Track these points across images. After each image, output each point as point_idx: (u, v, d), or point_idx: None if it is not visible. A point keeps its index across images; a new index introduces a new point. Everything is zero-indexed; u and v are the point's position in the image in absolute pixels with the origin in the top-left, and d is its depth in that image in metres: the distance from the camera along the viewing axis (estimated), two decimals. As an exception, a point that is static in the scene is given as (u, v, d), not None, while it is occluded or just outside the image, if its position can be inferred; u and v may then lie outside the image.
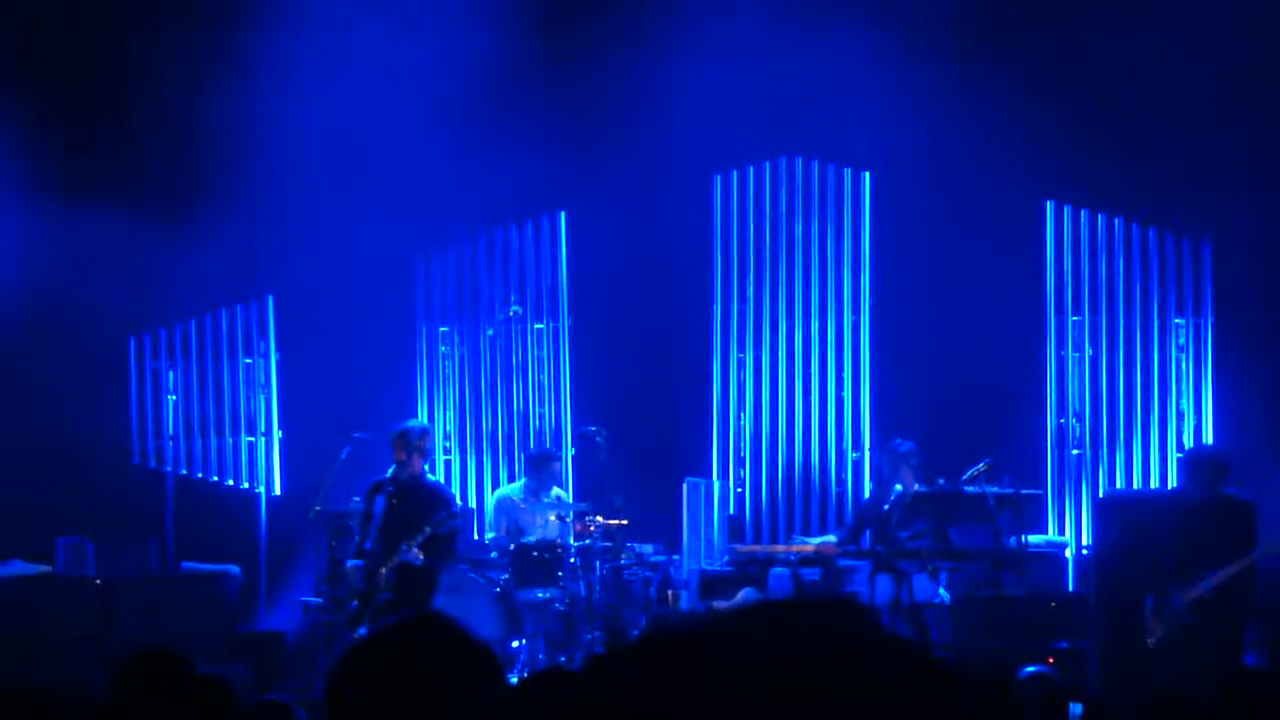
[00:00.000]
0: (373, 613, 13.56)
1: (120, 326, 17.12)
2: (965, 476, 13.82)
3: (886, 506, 14.38)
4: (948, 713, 1.90)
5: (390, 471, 14.15)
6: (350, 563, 14.06)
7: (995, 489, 13.69)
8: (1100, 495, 15.78)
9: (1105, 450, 16.40)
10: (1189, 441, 16.08)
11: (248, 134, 16.65)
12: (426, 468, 14.46)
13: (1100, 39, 15.93)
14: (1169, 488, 15.81)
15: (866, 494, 16.16)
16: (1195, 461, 13.43)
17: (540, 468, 15.40)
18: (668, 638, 1.93)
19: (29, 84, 16.67)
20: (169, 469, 17.10)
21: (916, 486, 14.22)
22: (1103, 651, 13.73)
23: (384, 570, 13.64)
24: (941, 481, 14.05)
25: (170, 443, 17.25)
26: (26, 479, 15.91)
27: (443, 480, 16.23)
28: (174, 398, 17.29)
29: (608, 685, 1.94)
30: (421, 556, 13.62)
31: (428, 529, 13.60)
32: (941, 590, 14.05)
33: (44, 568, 15.64)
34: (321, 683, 13.59)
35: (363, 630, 13.49)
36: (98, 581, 15.48)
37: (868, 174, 16.79)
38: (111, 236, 16.67)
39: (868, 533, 14.62)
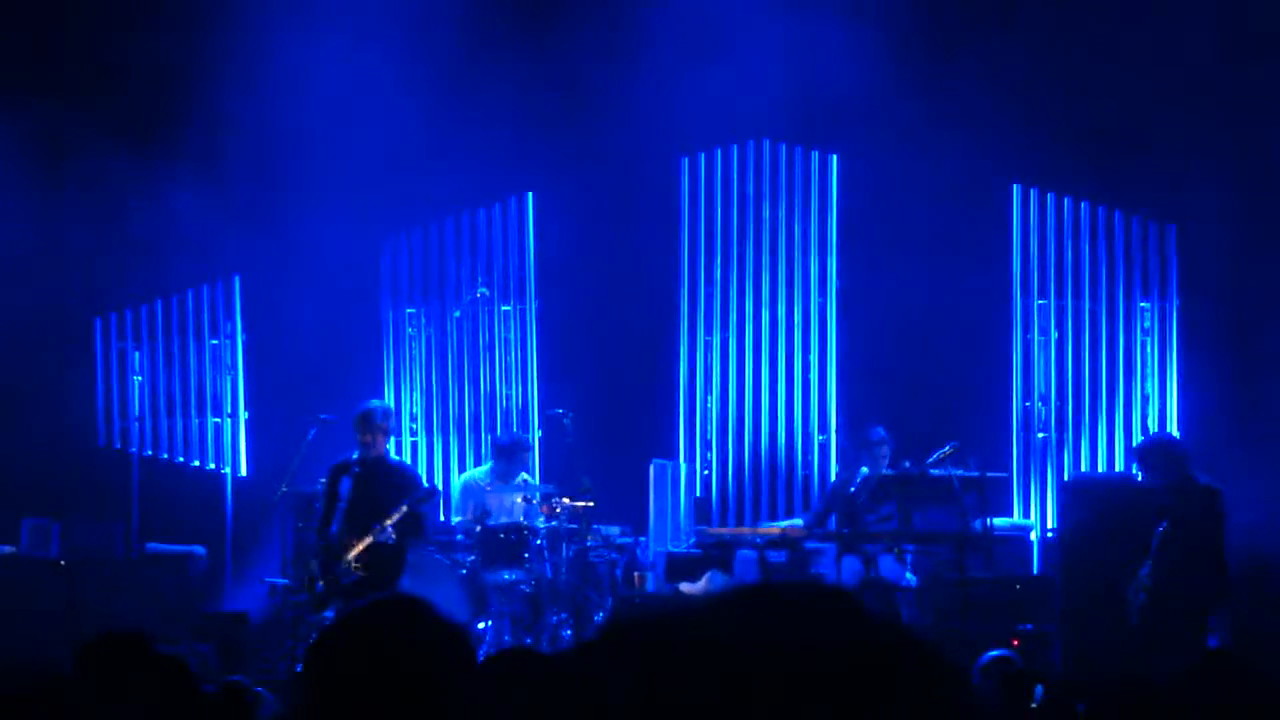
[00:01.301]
0: (340, 594, 13.55)
1: (85, 307, 17.09)
2: (931, 459, 13.84)
3: (853, 489, 14.41)
4: (950, 694, 1.90)
5: (355, 453, 14.13)
6: (314, 559, 14.03)
7: (961, 472, 13.72)
8: (1065, 479, 15.84)
9: (1071, 434, 16.46)
10: (1154, 425, 16.15)
11: (214, 114, 16.63)
12: (391, 448, 14.45)
13: (1067, 24, 15.98)
14: (1133, 472, 15.89)
15: (833, 477, 16.18)
16: (1144, 453, 13.51)
17: (510, 456, 15.38)
18: (646, 626, 1.93)
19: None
20: (134, 450, 17.05)
21: (884, 469, 14.25)
22: (1067, 634, 13.80)
23: (354, 553, 13.60)
24: (908, 464, 14.09)
25: (136, 423, 17.20)
26: (-9, 459, 15.88)
27: (409, 462, 16.24)
28: (140, 378, 17.25)
29: (592, 676, 1.94)
30: (394, 536, 13.60)
31: (404, 506, 13.56)
32: (908, 573, 14.08)
33: (8, 548, 15.60)
34: (285, 664, 13.69)
35: (330, 612, 13.48)
36: (62, 562, 15.45)
37: (835, 157, 16.81)
38: (76, 216, 16.64)
39: (834, 516, 14.64)
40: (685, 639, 1.89)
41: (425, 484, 14.65)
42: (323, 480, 14.51)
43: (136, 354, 17.29)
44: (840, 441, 16.47)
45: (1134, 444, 15.23)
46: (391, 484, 13.83)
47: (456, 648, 3.52)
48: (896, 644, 1.90)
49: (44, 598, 15.22)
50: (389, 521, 13.54)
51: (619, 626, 1.94)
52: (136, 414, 17.24)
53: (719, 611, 1.91)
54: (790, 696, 1.85)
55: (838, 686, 1.85)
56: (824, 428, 16.84)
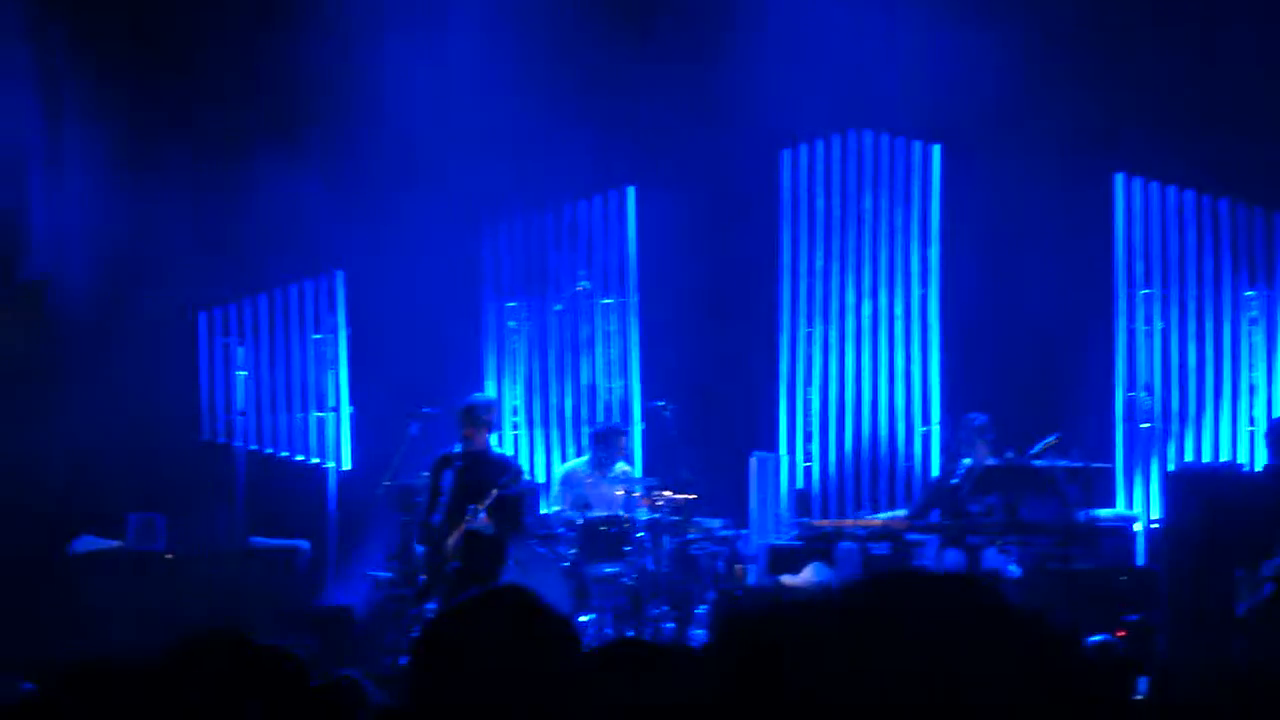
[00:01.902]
0: (442, 585, 13.58)
1: (191, 302, 17.20)
2: (1034, 450, 13.76)
3: (955, 481, 14.33)
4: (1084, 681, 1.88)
5: (458, 446, 14.16)
6: (417, 547, 14.06)
7: (1065, 463, 13.63)
8: (1170, 469, 15.70)
9: (1176, 424, 16.31)
10: (1261, 415, 15.98)
11: (319, 109, 16.71)
12: (494, 441, 14.47)
13: (1171, 11, 15.83)
14: (1239, 462, 15.73)
15: (935, 468, 16.11)
16: (1275, 433, 13.38)
17: (607, 443, 15.38)
18: (778, 614, 1.92)
19: (94, 58, 16.74)
20: (239, 444, 17.17)
21: (987, 460, 14.16)
22: (1171, 625, 13.66)
23: (450, 541, 13.65)
24: (1011, 455, 14.00)
25: (240, 418, 17.30)
26: (98, 454, 15.99)
27: (511, 454, 16.26)
28: (244, 373, 17.35)
29: (725, 664, 1.93)
30: (490, 524, 13.62)
31: (494, 492, 13.59)
32: (1011, 565, 13.99)
33: (115, 543, 15.73)
34: (390, 657, 13.73)
35: (432, 604, 13.52)
36: (168, 556, 15.57)
37: (938, 147, 16.72)
38: (182, 212, 16.76)
39: (936, 508, 14.57)
40: (822, 627, 1.88)
41: (522, 471, 14.66)
42: (425, 474, 14.55)
43: (240, 349, 17.40)
44: (942, 433, 16.39)
45: (1264, 426, 15.11)
46: (492, 475, 13.86)
47: (565, 640, 3.52)
48: (1046, 637, 1.88)
49: (149, 592, 15.33)
50: (481, 507, 13.55)
51: (749, 616, 1.93)
52: (241, 409, 17.35)
53: (855, 600, 1.90)
54: (932, 684, 1.84)
55: (981, 675, 1.84)
56: (926, 419, 16.77)
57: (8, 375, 14.73)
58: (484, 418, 14.21)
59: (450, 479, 13.98)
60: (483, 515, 13.57)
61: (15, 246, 15.95)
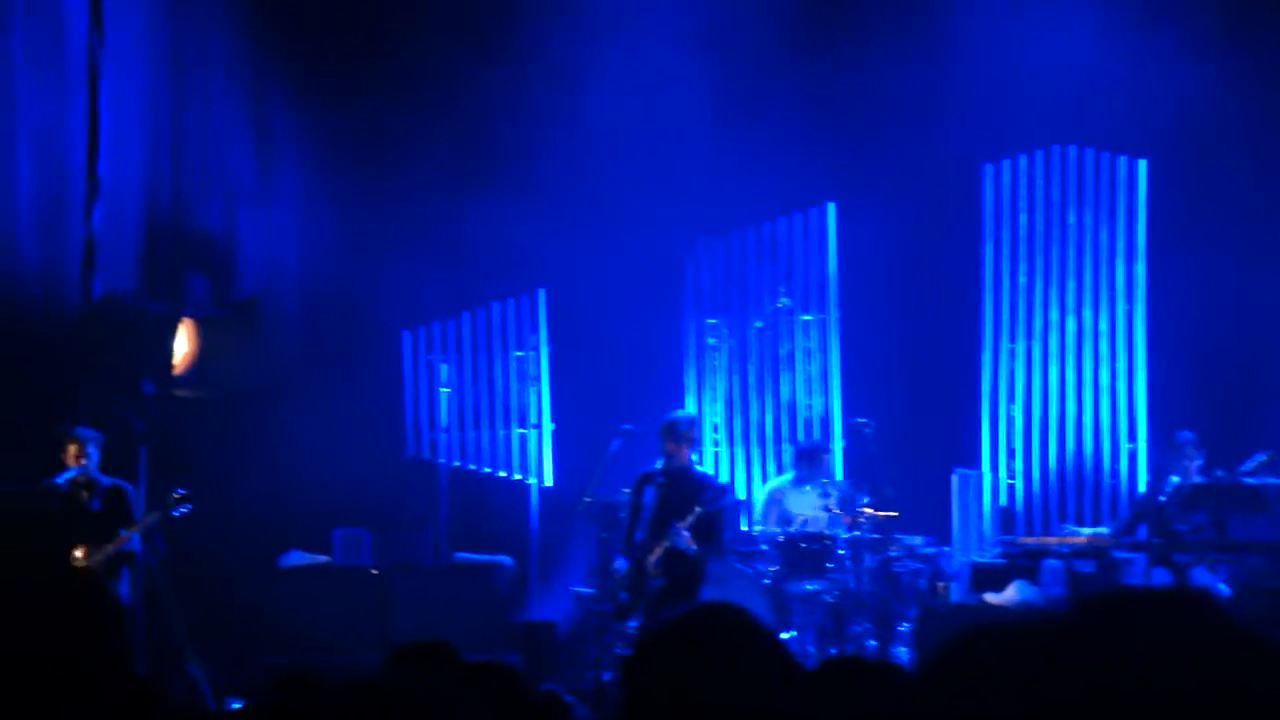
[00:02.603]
0: (645, 602, 13.60)
1: (395, 321, 17.39)
2: (1246, 468, 13.54)
3: (1163, 498, 14.12)
4: None
5: (659, 463, 14.17)
6: (618, 560, 14.09)
7: (1277, 480, 13.39)
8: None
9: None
10: None
11: (520, 130, 16.86)
12: (695, 458, 14.47)
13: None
14: None
15: (1141, 486, 15.89)
16: None
17: (811, 461, 15.31)
18: (1006, 635, 1.90)
19: (307, 84, 17.01)
20: (442, 460, 17.34)
21: (1195, 478, 13.95)
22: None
23: (652, 559, 13.66)
24: (1221, 473, 13.78)
25: (444, 435, 17.47)
26: (305, 471, 16.22)
27: (712, 472, 16.24)
28: (447, 390, 17.52)
29: (955, 686, 1.92)
30: (694, 545, 13.59)
31: (697, 509, 13.56)
32: (1221, 584, 13.77)
33: (322, 558, 15.96)
34: (592, 673, 13.78)
35: (634, 622, 13.54)
36: (374, 571, 15.75)
37: (1144, 161, 16.50)
38: (387, 232, 16.98)
39: (1143, 525, 14.37)
40: (1049, 647, 1.86)
41: (725, 488, 14.65)
42: (626, 490, 14.59)
43: (444, 366, 17.56)
44: (1149, 450, 16.16)
45: None
46: (694, 492, 13.83)
47: (775, 656, 3.51)
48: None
49: (356, 606, 15.52)
50: (683, 525, 13.54)
51: (975, 635, 1.92)
52: (444, 425, 17.51)
53: (1083, 618, 1.88)
54: (1163, 704, 1.81)
55: (1211, 695, 1.81)
56: (1131, 436, 16.54)
57: (220, 394, 14.98)
58: (686, 434, 14.19)
59: (652, 496, 13.99)
60: (686, 533, 13.56)
61: (228, 268, 16.24)
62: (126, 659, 1.78)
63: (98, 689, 1.78)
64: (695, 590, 13.43)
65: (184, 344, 14.65)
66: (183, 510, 13.09)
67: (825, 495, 14.87)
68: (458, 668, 5.93)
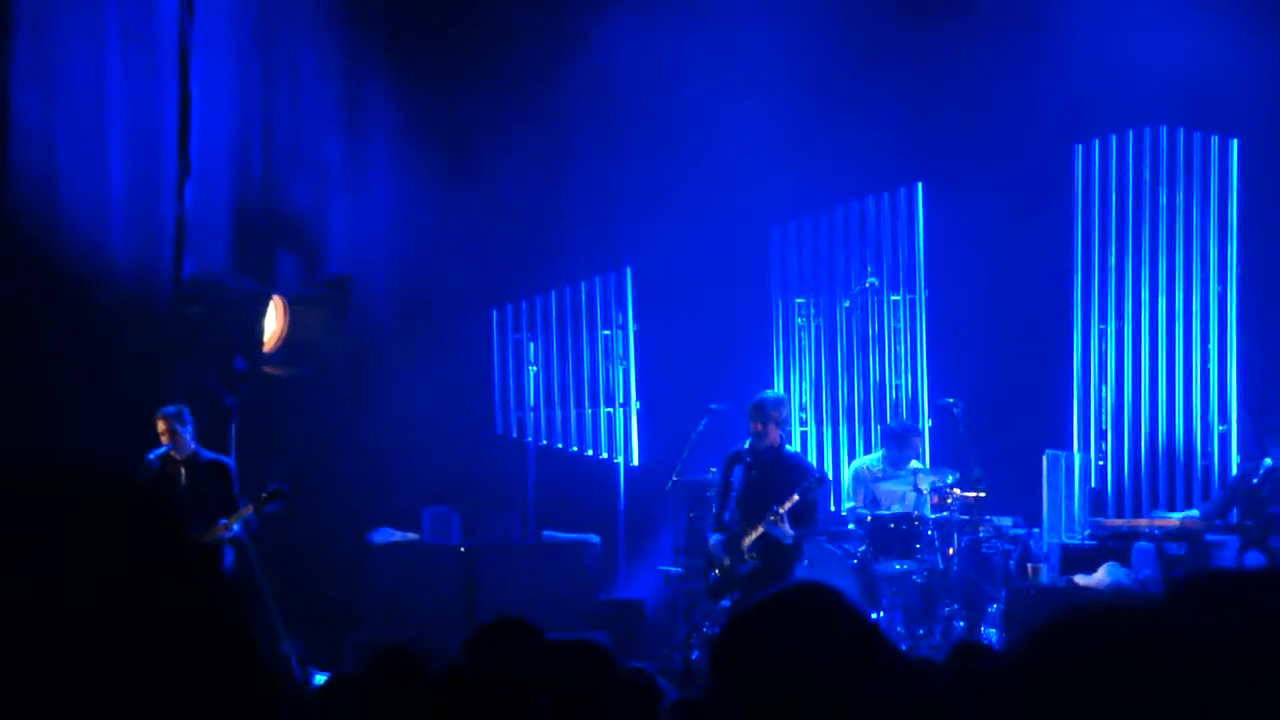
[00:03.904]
0: (736, 583, 13.60)
1: (483, 299, 17.43)
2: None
3: (1256, 481, 14.01)
4: None
5: (747, 442, 14.15)
6: (711, 536, 14.08)
7: (1372, 463, 13.28)
8: None
9: None
10: None
11: (606, 109, 16.87)
12: (782, 438, 14.44)
13: None
14: None
15: (1233, 468, 15.77)
16: None
17: (900, 443, 15.27)
18: (1103, 618, 1.88)
19: (395, 64, 17.06)
20: (530, 439, 17.38)
21: (1290, 461, 13.85)
22: None
23: (748, 542, 13.65)
24: (1316, 455, 13.67)
25: (531, 413, 17.52)
26: (395, 449, 16.31)
27: (799, 451, 16.21)
28: (535, 368, 17.56)
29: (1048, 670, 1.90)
30: (790, 531, 13.57)
31: (795, 495, 13.54)
32: (1314, 567, 13.66)
33: (412, 535, 16.03)
34: (681, 652, 13.80)
35: (726, 602, 13.54)
36: (462, 550, 15.81)
37: (1235, 141, 16.36)
38: (476, 211, 17.02)
39: (1236, 508, 14.26)
40: (1144, 632, 1.85)
41: (818, 472, 14.64)
42: (714, 469, 14.59)
43: (531, 345, 17.60)
44: (1241, 432, 16.03)
45: None
46: (784, 473, 13.82)
47: (868, 637, 3.50)
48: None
49: (444, 583, 15.59)
50: (783, 509, 13.52)
51: (1070, 619, 1.91)
52: (532, 404, 17.55)
53: (1179, 601, 1.86)
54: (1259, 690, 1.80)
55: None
56: (1224, 418, 16.41)
57: (310, 372, 15.06)
58: (774, 414, 14.16)
59: (740, 475, 13.99)
60: (786, 521, 13.52)
61: (318, 246, 16.32)
62: (247, 634, 1.79)
63: (217, 663, 1.79)
64: (788, 573, 13.41)
65: (274, 322, 14.73)
66: (274, 507, 13.16)
67: (914, 478, 14.84)
68: (543, 646, 5.95)
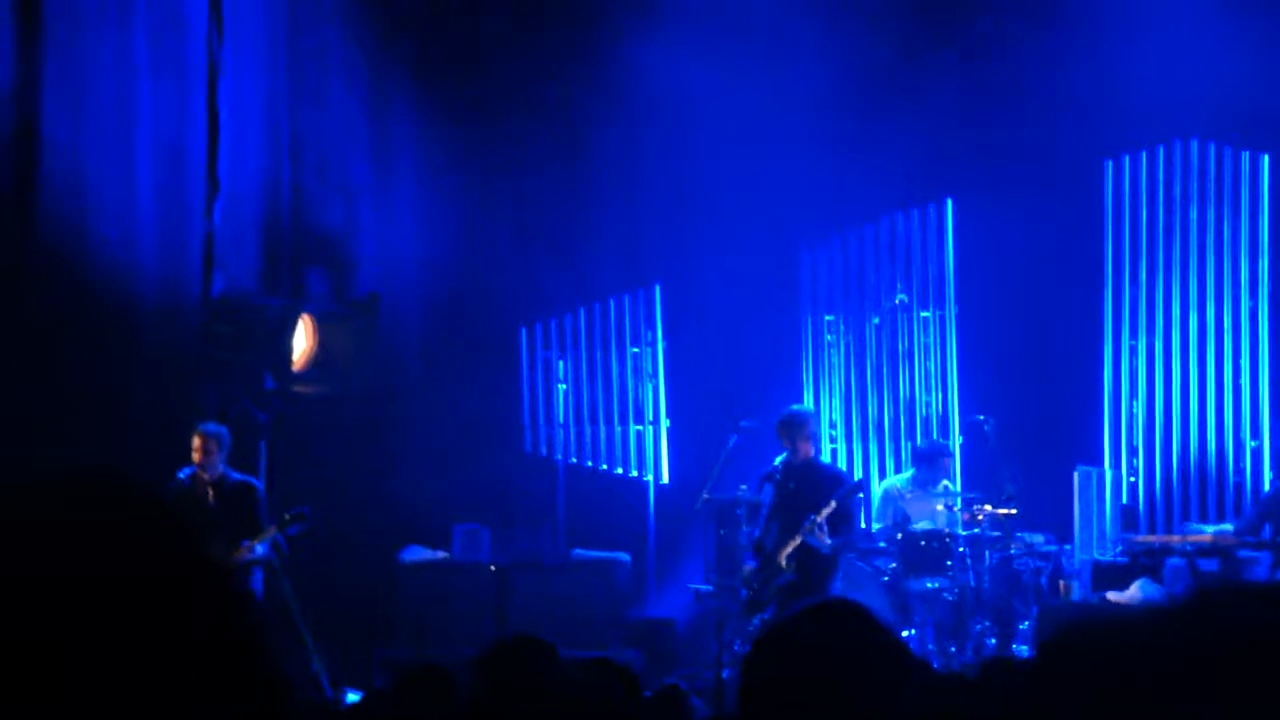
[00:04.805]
0: (771, 598, 13.52)
1: (513, 317, 17.43)
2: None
3: (1289, 496, 13.95)
4: None
5: (779, 459, 14.10)
6: (748, 563, 14.01)
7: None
8: None
9: None
10: None
11: (635, 126, 16.87)
12: (815, 451, 14.33)
13: None
14: None
15: (1266, 484, 15.69)
16: None
17: (931, 463, 15.21)
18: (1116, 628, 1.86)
19: (424, 81, 17.08)
20: (560, 457, 17.36)
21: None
22: None
23: (785, 553, 13.57)
24: (1348, 471, 13.61)
25: (561, 431, 17.50)
26: (425, 467, 16.30)
27: (832, 462, 16.15)
28: (564, 386, 17.55)
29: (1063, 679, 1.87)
30: (828, 541, 13.46)
31: (833, 502, 13.46)
32: (1347, 584, 13.58)
33: (442, 553, 16.02)
34: (711, 670, 13.75)
35: (759, 619, 13.47)
36: (492, 568, 15.80)
37: (1266, 156, 16.30)
38: (504, 229, 17.04)
39: (1269, 524, 14.20)
40: (1163, 640, 1.82)
41: (853, 479, 14.54)
42: (744, 487, 14.54)
43: (561, 362, 17.59)
44: (1273, 447, 15.95)
45: None
46: (819, 483, 13.71)
47: (896, 654, 3.47)
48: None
49: (474, 602, 15.58)
50: (820, 517, 13.41)
51: (1083, 627, 1.88)
52: (561, 421, 17.54)
53: (1192, 611, 1.84)
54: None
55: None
56: (1256, 433, 16.34)
57: (340, 390, 15.07)
58: (800, 429, 14.10)
59: (771, 492, 13.95)
60: (824, 528, 13.43)
61: (347, 265, 16.33)
62: (262, 650, 1.76)
63: (235, 679, 1.77)
64: (826, 585, 13.33)
65: (303, 340, 14.75)
66: (297, 529, 13.16)
67: (946, 498, 14.79)
68: (558, 665, 5.91)
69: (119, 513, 1.78)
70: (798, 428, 14.02)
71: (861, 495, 14.13)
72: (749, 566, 13.91)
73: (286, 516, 13.10)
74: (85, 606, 1.69)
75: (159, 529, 1.77)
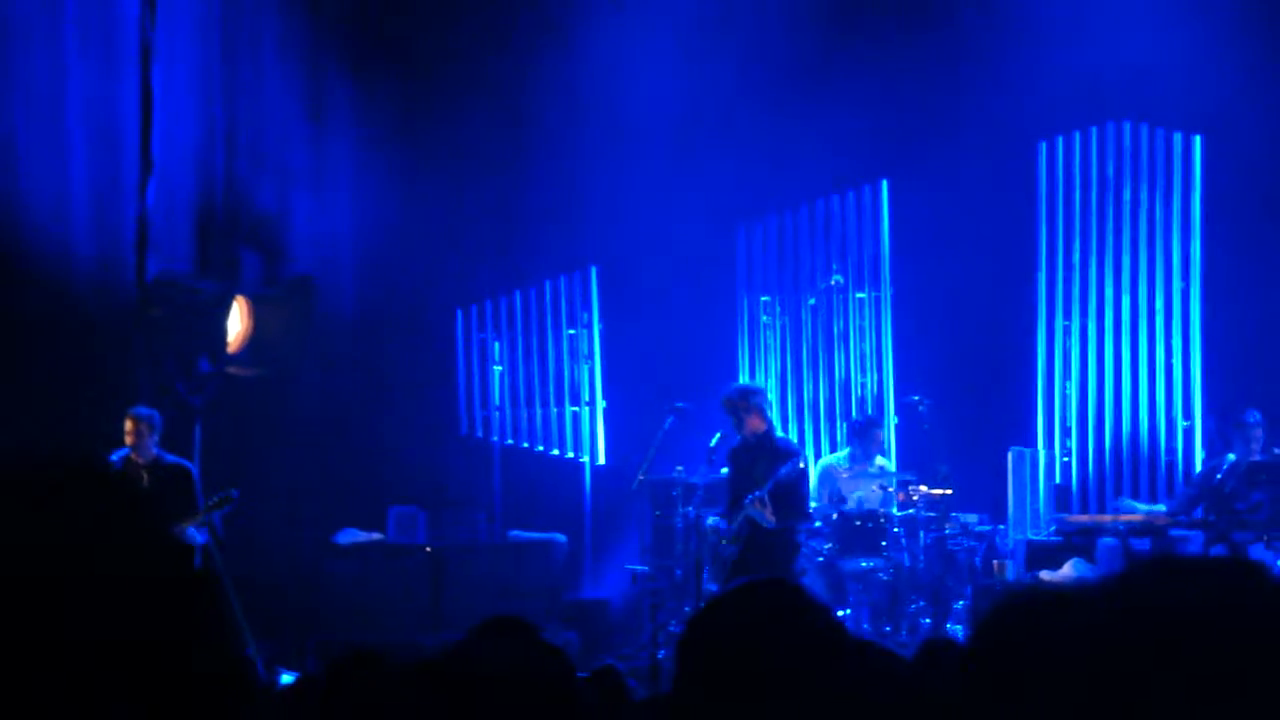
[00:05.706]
0: (719, 570, 13.40)
1: (448, 299, 17.41)
2: (1303, 446, 13.45)
3: (1220, 476, 14.04)
4: None
5: (715, 439, 13.94)
6: (709, 518, 13.85)
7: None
8: None
9: None
10: None
11: (571, 109, 16.85)
12: (769, 424, 14.08)
13: None
14: None
15: (1198, 464, 15.80)
16: None
17: (863, 436, 15.24)
18: (1053, 602, 1.87)
19: (359, 64, 17.02)
20: (496, 439, 17.36)
21: (1255, 456, 13.86)
22: None
23: (731, 528, 13.43)
24: (1278, 451, 13.69)
25: (497, 413, 17.50)
26: (359, 449, 16.27)
27: (786, 436, 16.12)
28: (500, 368, 17.54)
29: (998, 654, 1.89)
30: (771, 518, 13.31)
31: (773, 481, 13.32)
32: (1279, 561, 13.68)
33: (376, 535, 15.99)
34: (647, 651, 13.74)
35: (714, 586, 13.33)
36: (428, 549, 15.78)
37: (1199, 138, 16.39)
38: (440, 211, 16.99)
39: (1201, 503, 14.29)
40: (1098, 616, 1.84)
41: (802, 456, 14.31)
42: (680, 468, 14.50)
43: (497, 344, 17.58)
44: (1206, 427, 16.06)
45: None
46: (769, 459, 13.50)
47: (830, 633, 3.48)
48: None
49: (410, 583, 15.56)
50: (763, 495, 13.21)
51: (1018, 603, 1.90)
52: (497, 404, 17.53)
53: (1132, 588, 1.85)
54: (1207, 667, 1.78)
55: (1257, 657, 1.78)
56: (1188, 413, 16.45)
57: (274, 372, 15.01)
58: (742, 403, 13.94)
59: (732, 467, 13.83)
60: (766, 508, 13.26)
61: (281, 246, 16.25)
62: (227, 634, 1.76)
63: (198, 663, 1.77)
64: (773, 562, 13.10)
65: (238, 322, 14.69)
66: (225, 511, 13.10)
67: (880, 475, 14.82)
68: (529, 644, 5.88)
69: (94, 503, 1.77)
70: (736, 403, 13.89)
71: (803, 465, 13.97)
72: (708, 521, 13.79)
73: (214, 499, 13.04)
74: (39, 599, 1.69)
75: (133, 518, 1.77)
